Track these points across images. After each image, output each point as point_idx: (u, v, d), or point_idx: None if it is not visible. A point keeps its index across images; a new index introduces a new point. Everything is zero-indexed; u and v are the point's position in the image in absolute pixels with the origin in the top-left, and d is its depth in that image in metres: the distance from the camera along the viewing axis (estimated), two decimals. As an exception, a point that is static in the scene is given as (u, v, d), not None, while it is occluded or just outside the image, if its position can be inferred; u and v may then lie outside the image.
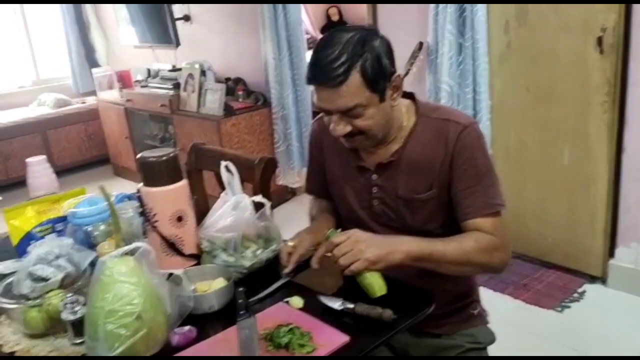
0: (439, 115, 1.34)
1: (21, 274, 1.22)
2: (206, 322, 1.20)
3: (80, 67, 5.75)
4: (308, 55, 3.89)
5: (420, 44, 2.99)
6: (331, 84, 1.19)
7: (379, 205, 1.38)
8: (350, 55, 1.18)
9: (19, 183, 4.79)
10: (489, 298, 1.63)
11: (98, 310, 1.03)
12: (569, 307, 2.63)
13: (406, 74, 2.97)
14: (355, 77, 1.19)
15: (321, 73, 1.21)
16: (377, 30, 1.27)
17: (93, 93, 5.51)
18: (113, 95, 5.02)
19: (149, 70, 4.84)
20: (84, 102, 5.63)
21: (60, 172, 4.24)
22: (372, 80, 1.20)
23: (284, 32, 3.69)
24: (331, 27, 6.80)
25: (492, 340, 1.49)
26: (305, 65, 3.79)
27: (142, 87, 4.70)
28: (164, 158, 1.33)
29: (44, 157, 1.72)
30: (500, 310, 1.95)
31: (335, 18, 6.98)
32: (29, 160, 1.70)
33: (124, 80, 4.96)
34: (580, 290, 2.75)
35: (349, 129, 1.26)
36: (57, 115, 5.40)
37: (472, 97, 2.85)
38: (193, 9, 4.43)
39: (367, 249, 1.18)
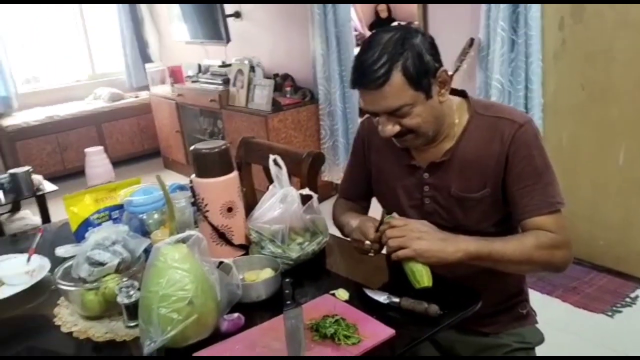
0: (492, 113, 1.32)
1: (80, 258, 1.28)
2: (253, 311, 1.22)
3: (134, 62, 5.93)
4: (356, 52, 3.91)
5: (471, 40, 2.95)
6: (373, 86, 1.20)
7: (431, 204, 1.37)
8: (390, 56, 1.18)
9: (75, 174, 4.99)
10: (536, 300, 1.60)
11: (152, 294, 1.07)
12: (620, 311, 2.54)
13: (456, 70, 2.94)
14: (397, 77, 1.19)
15: (363, 76, 1.21)
16: (417, 28, 1.26)
17: (146, 88, 5.67)
18: (165, 90, 5.15)
19: (199, 66, 4.94)
20: (137, 97, 5.80)
21: (113, 163, 4.37)
22: (415, 79, 1.20)
23: (333, 28, 3.70)
24: (379, 24, 6.79)
25: (540, 340, 1.46)
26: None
27: (193, 82, 4.81)
28: (216, 150, 1.37)
29: (101, 147, 1.79)
30: (548, 313, 1.91)
31: (384, 15, 6.94)
32: (87, 150, 1.78)
33: (175, 75, 5.08)
34: (632, 295, 2.65)
35: (397, 128, 1.26)
36: (111, 108, 5.58)
37: (523, 95, 2.79)
38: (244, 6, 4.50)
39: (418, 241, 1.18)
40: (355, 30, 6.30)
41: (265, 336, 1.12)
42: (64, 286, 1.25)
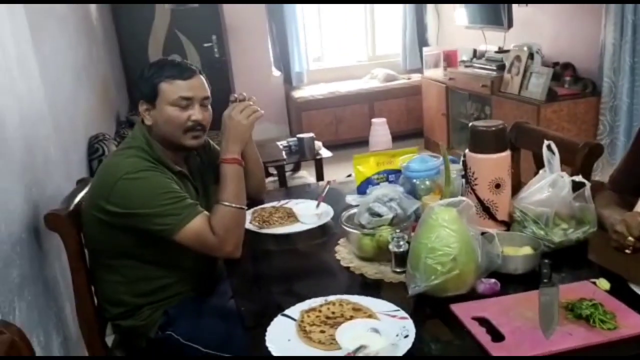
0: None
1: (362, 208, 1.51)
2: (509, 282, 1.30)
3: (411, 45, 6.23)
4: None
5: None
6: None
7: None
8: None
9: (345, 145, 5.50)
10: None
11: (422, 245, 1.23)
12: None
13: None
14: None
15: None
16: None
17: (418, 70, 5.93)
18: (437, 73, 5.32)
19: (475, 51, 4.98)
20: (409, 79, 6.10)
21: (382, 138, 4.75)
22: None
23: (630, 16, 3.39)
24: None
25: None
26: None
27: (466, 67, 4.87)
28: (493, 128, 1.46)
29: (384, 119, 2.02)
30: None
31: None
32: (374, 120, 2.02)
33: (449, 59, 5.21)
34: None
35: None
36: (384, 88, 5.98)
37: None
38: (530, -9, 4.37)
39: None
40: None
41: (519, 305, 1.18)
42: (347, 228, 1.49)
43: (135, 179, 1.51)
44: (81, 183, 1.87)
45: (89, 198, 1.63)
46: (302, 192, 2.29)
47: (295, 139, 4.18)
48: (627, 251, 1.23)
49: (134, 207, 1.50)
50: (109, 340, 1.76)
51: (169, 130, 1.59)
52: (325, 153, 4.19)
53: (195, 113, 1.59)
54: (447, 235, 1.21)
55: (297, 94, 5.90)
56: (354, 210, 1.56)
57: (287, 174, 4.42)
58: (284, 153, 4.07)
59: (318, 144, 4.18)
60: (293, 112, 5.97)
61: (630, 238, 1.21)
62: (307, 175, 4.63)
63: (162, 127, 1.59)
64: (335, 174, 3.83)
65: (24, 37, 1.99)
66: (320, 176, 4.22)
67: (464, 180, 1.53)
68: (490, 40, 4.84)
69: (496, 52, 4.55)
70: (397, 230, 1.39)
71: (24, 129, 1.75)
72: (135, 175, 1.52)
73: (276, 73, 6.04)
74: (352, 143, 5.49)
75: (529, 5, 4.41)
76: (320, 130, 5.79)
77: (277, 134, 5.64)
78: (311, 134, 4.15)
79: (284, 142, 4.22)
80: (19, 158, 1.66)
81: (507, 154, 1.48)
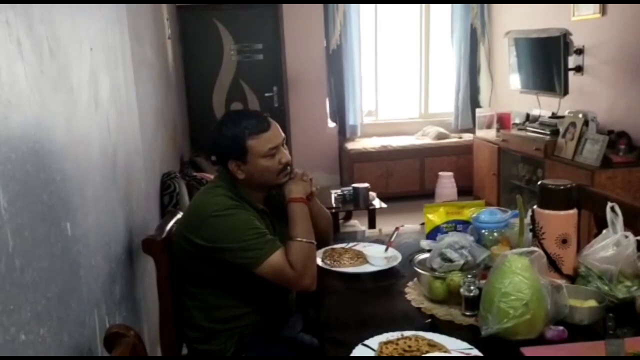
0: None
1: (434, 252, 1.62)
2: (575, 331, 1.38)
3: (463, 106, 6.39)
4: None
5: None
6: None
7: None
8: None
9: (395, 198, 5.61)
10: None
11: (495, 290, 1.33)
12: None
13: None
14: None
15: None
16: None
17: (470, 130, 6.06)
18: (489, 134, 5.44)
19: (528, 115, 5.09)
20: (460, 137, 6.22)
21: (429, 194, 4.84)
22: None
23: (688, 89, 3.46)
24: None
25: None
26: None
27: (519, 129, 4.97)
28: (562, 187, 1.57)
29: (451, 173, 2.15)
30: None
31: None
32: (441, 173, 2.17)
33: (502, 121, 5.34)
34: None
35: None
36: (435, 146, 6.11)
37: None
38: (588, 60, 4.49)
39: None
40: None
41: (586, 352, 1.26)
42: (420, 270, 1.61)
43: (223, 216, 1.67)
44: (169, 214, 2.05)
45: (178, 230, 1.79)
46: (364, 236, 2.42)
47: (350, 188, 4.31)
48: None
49: (221, 241, 1.65)
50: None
51: (265, 179, 1.75)
52: (378, 204, 4.31)
53: (283, 156, 1.75)
54: (520, 281, 1.31)
55: (350, 145, 6.09)
56: (425, 254, 1.68)
57: (339, 221, 4.54)
58: (334, 200, 4.17)
59: (372, 194, 4.31)
60: (345, 162, 6.15)
61: None
62: (358, 224, 4.75)
63: (258, 177, 1.74)
64: (385, 224, 3.93)
65: (131, 82, 2.23)
66: (372, 225, 4.32)
67: (531, 233, 1.63)
68: (544, 105, 4.95)
69: (550, 117, 4.65)
70: (469, 276, 1.50)
71: (127, 162, 1.96)
72: (223, 212, 1.67)
73: (331, 124, 6.27)
74: (402, 196, 5.62)
75: (585, 74, 4.52)
76: (371, 182, 5.84)
77: (328, 183, 5.80)
78: (366, 185, 4.29)
79: (339, 191, 4.35)
80: (123, 187, 1.86)
81: (574, 211, 1.58)
